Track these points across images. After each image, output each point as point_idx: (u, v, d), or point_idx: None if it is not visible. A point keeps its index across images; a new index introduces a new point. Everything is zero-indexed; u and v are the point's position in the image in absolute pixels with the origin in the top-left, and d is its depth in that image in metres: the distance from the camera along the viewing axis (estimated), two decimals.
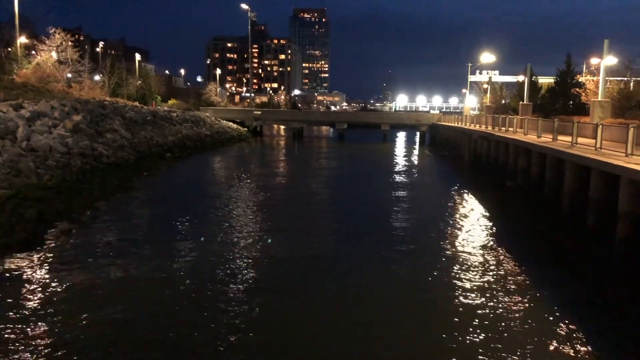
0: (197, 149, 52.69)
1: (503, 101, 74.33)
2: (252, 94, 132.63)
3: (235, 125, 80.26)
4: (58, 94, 52.42)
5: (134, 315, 12.28)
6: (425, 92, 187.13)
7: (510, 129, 38.68)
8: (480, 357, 10.41)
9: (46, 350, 10.24)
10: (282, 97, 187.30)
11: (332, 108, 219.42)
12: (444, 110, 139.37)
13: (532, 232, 22.19)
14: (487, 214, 25.13)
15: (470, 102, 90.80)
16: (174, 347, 10.73)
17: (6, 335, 10.84)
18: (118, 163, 34.25)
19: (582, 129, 26.05)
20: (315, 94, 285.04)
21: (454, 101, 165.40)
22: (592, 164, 19.70)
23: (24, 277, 14.29)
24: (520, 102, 52.93)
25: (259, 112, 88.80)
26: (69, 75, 62.03)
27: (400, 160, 53.83)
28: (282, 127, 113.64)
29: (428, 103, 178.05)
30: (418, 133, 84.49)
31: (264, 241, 18.99)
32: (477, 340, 11.14)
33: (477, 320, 12.13)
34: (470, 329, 11.63)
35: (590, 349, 10.84)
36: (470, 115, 65.48)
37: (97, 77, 71.87)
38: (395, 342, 11.13)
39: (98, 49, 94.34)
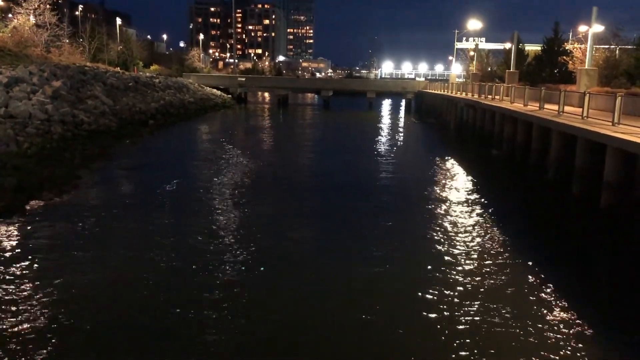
0: (180, 117, 51.92)
1: (489, 69, 73.99)
2: (236, 60, 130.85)
3: (219, 92, 79.21)
4: (36, 59, 51.12)
5: (115, 285, 12.11)
6: (411, 59, 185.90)
7: (497, 97, 38.55)
8: (459, 319, 10.44)
9: (24, 320, 10.06)
10: (267, 63, 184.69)
11: (317, 75, 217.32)
12: (430, 77, 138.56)
13: (517, 200, 22.27)
14: (473, 182, 25.16)
15: (457, 70, 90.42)
16: (157, 318, 10.60)
17: None
18: (100, 130, 33.61)
19: (569, 98, 26.01)
20: (300, 60, 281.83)
21: (439, 68, 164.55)
22: (578, 133, 19.68)
23: (3, 247, 13.99)
24: (507, 70, 52.70)
25: (243, 79, 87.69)
26: (47, 38, 60.36)
27: (386, 129, 53.63)
28: (266, 94, 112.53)
29: (414, 70, 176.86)
30: (404, 101, 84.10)
31: (249, 210, 18.82)
32: (457, 302, 11.17)
33: (457, 283, 12.15)
34: (451, 292, 11.66)
35: (568, 314, 10.91)
36: (457, 83, 65.20)
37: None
38: (380, 306, 11.11)
39: (77, 13, 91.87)
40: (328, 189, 23.38)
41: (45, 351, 9.14)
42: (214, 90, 79.44)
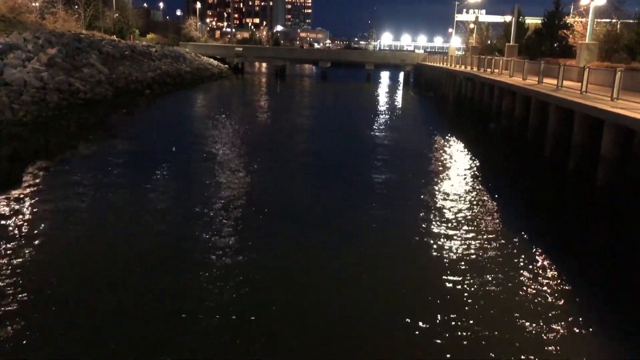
0: (176, 86, 51.57)
1: (489, 42, 73.34)
2: (233, 30, 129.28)
3: (215, 62, 78.44)
4: (31, 25, 50.31)
5: (112, 252, 12.17)
6: (410, 31, 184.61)
7: (496, 70, 38.31)
8: (452, 293, 10.56)
9: (20, 288, 10.13)
10: (264, 33, 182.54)
11: (316, 45, 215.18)
12: (429, 50, 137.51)
13: (513, 174, 22.32)
14: (469, 155, 25.18)
15: (456, 43, 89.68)
16: (153, 286, 10.68)
17: None
18: (95, 99, 33.39)
19: (568, 72, 25.85)
20: (298, 31, 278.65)
21: (439, 41, 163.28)
22: (576, 108, 19.61)
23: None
24: (507, 44, 52.28)
25: (240, 49, 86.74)
26: (41, 4, 59.39)
27: (384, 101, 53.38)
28: (264, 64, 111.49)
29: (413, 42, 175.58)
30: (402, 73, 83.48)
31: (245, 180, 18.83)
32: (451, 277, 11.28)
33: (452, 258, 12.25)
34: (446, 267, 11.76)
35: (562, 288, 11.04)
36: (456, 55, 64.69)
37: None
38: (373, 282, 11.21)
39: None
40: (323, 159, 23.42)
41: (41, 315, 9.23)
42: (211, 60, 78.66)
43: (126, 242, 12.96)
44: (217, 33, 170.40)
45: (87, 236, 13.17)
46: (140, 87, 43.24)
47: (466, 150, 26.86)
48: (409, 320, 9.72)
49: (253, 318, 9.61)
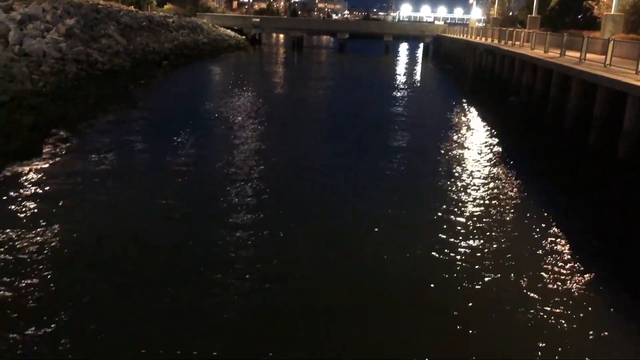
0: (194, 57, 51.42)
1: (511, 13, 71.76)
2: (251, 0, 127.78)
3: (233, 33, 77.92)
4: None
5: (129, 222, 12.35)
6: (430, 2, 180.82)
7: (517, 42, 37.53)
8: (470, 270, 10.57)
9: (40, 257, 10.35)
10: (282, 3, 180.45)
11: (334, 16, 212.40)
12: (449, 21, 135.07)
13: (532, 148, 22.08)
14: (488, 129, 24.94)
15: (477, 14, 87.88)
16: (171, 256, 10.84)
17: (3, 231, 10.96)
18: (114, 70, 33.45)
19: (592, 45, 25.24)
20: (316, 1, 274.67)
21: (459, 12, 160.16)
22: (599, 81, 19.19)
23: (22, 184, 14.24)
24: (529, 15, 51.09)
25: (258, 20, 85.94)
26: None
27: (402, 73, 52.80)
28: (281, 35, 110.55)
29: (432, 14, 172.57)
30: (421, 45, 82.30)
31: (261, 148, 18.90)
32: (469, 252, 11.28)
33: (465, 231, 12.24)
34: (462, 243, 11.75)
35: (577, 264, 11.00)
36: (476, 27, 63.44)
37: None
38: (388, 254, 11.26)
39: None
40: (340, 130, 23.41)
41: (56, 285, 9.44)
42: (228, 31, 78.12)
43: (144, 208, 13.15)
44: (235, 4, 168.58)
45: (106, 203, 13.42)
46: (158, 58, 43.19)
47: (485, 123, 26.58)
48: (424, 297, 9.78)
49: (271, 288, 9.75)
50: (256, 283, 9.88)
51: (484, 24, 75.05)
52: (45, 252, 10.59)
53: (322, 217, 13.29)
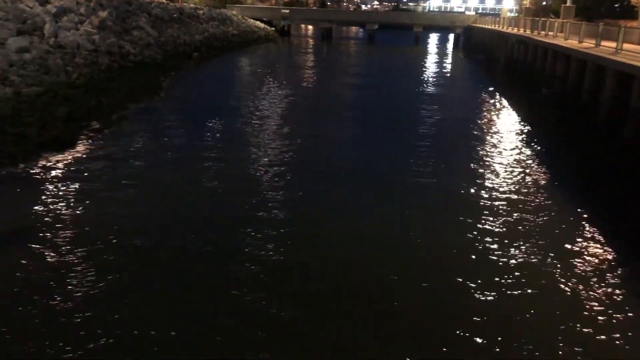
0: (223, 49, 51.72)
1: (544, 3, 70.33)
2: None
3: (262, 25, 78.10)
4: None
5: (161, 211, 12.57)
6: None
7: (550, 33, 36.80)
8: (500, 258, 10.49)
9: (75, 243, 10.62)
10: None
11: (363, 7, 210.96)
12: (480, 11, 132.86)
13: (565, 141, 21.68)
14: (519, 121, 24.56)
15: (509, 4, 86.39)
16: (204, 246, 11.01)
17: (40, 225, 11.30)
18: (145, 62, 33.89)
19: (629, 35, 24.62)
20: None
21: (490, 2, 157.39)
22: (636, 72, 18.75)
23: (56, 173, 14.62)
24: (563, 5, 49.97)
25: (287, 11, 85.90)
26: None
27: (432, 64, 52.28)
28: (310, 27, 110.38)
29: (463, 4, 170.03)
30: (452, 35, 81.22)
31: (290, 138, 18.99)
32: (496, 247, 11.19)
33: (497, 228, 12.12)
34: (490, 236, 11.65)
35: (621, 265, 10.81)
36: (508, 17, 62.35)
37: None
38: (417, 243, 11.24)
39: None
40: (370, 120, 23.38)
41: (91, 270, 9.69)
42: (257, 22, 78.32)
43: (172, 202, 13.36)
44: None
45: (138, 191, 13.69)
46: (188, 50, 43.58)
47: (516, 115, 26.19)
48: (451, 284, 9.75)
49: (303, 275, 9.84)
50: (285, 278, 9.98)
51: (516, 14, 73.69)
52: (80, 238, 10.86)
53: (353, 209, 13.33)
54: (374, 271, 10.24)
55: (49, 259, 10.05)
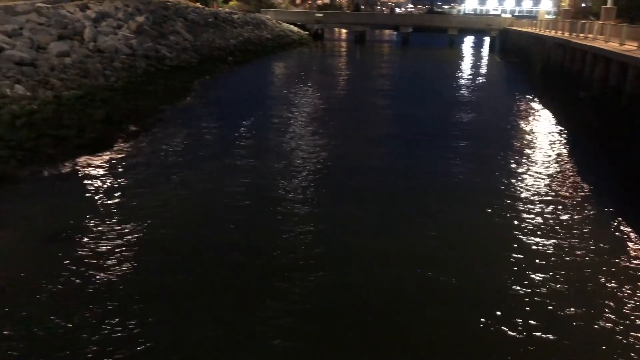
0: (257, 53, 52.09)
1: (583, 4, 68.83)
2: None
3: (296, 29, 78.43)
4: None
5: (196, 213, 12.71)
6: None
7: (590, 35, 35.95)
8: (541, 269, 10.27)
9: (114, 242, 10.82)
10: None
11: (397, 10, 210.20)
12: (516, 14, 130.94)
13: (606, 147, 21.11)
14: (557, 126, 24.03)
15: (546, 6, 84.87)
16: (240, 249, 11.08)
17: (81, 223, 11.56)
18: (181, 66, 34.43)
19: None
20: None
21: (527, 4, 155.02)
22: None
23: (94, 174, 14.94)
24: (603, 6, 48.80)
25: (321, 15, 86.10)
26: None
27: (467, 67, 51.67)
28: (343, 30, 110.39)
29: (499, 6, 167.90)
30: (487, 38, 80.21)
31: (324, 148, 18.98)
32: (534, 253, 10.96)
33: (535, 239, 11.87)
34: (528, 247, 11.42)
35: None
36: (546, 20, 61.22)
37: None
38: (454, 255, 11.09)
39: None
40: (403, 125, 23.22)
41: (128, 268, 9.84)
42: (291, 26, 78.70)
43: (208, 204, 13.51)
44: None
45: (174, 191, 13.98)
46: (223, 54, 44.08)
47: (554, 119, 25.65)
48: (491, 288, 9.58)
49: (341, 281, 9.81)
50: (321, 276, 9.97)
51: (554, 16, 72.34)
52: (117, 236, 11.07)
53: (385, 211, 13.25)
54: (426, 279, 10.13)
55: (88, 257, 10.27)
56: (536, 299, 9.34)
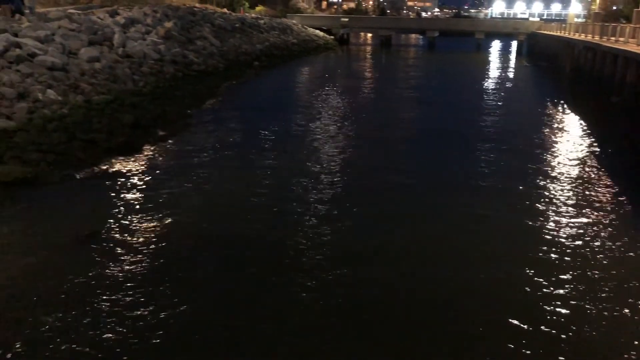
0: (283, 58, 52.34)
1: (614, 7, 67.62)
2: (340, 0, 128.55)
3: (321, 33, 78.67)
4: (150, 0, 53.13)
5: (226, 218, 12.79)
6: None
7: (621, 38, 35.33)
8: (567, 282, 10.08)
9: (141, 241, 10.95)
10: (371, 3, 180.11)
11: (423, 14, 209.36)
12: (544, 17, 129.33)
13: (637, 154, 20.64)
14: (586, 131, 23.56)
15: (576, 9, 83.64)
16: (270, 248, 11.12)
17: (110, 223, 11.74)
18: (208, 71, 34.76)
19: None
20: None
21: (556, 8, 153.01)
22: None
23: (123, 177, 15.15)
24: (635, 9, 47.92)
25: (346, 19, 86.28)
26: None
27: (494, 71, 51.13)
28: (369, 35, 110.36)
29: (527, 10, 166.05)
30: (515, 42, 79.37)
31: (348, 153, 18.96)
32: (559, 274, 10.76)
33: (562, 250, 11.65)
34: (556, 260, 11.22)
35: None
36: (575, 23, 60.32)
37: None
38: (482, 262, 10.95)
39: None
40: (428, 133, 22.96)
41: (156, 270, 9.95)
42: (317, 31, 78.97)
43: (237, 197, 13.64)
44: (324, 4, 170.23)
45: (202, 193, 14.06)
46: (249, 59, 44.38)
47: (585, 124, 25.17)
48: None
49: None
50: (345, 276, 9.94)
51: (584, 20, 71.20)
52: (146, 240, 11.19)
53: (412, 216, 13.16)
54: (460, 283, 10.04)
55: (116, 256, 10.43)
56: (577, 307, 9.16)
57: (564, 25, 61.07)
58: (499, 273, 10.39)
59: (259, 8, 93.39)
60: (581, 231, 12.34)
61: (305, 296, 9.44)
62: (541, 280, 10.07)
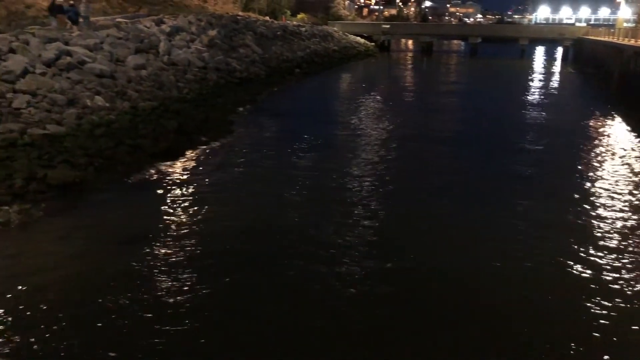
0: (324, 65, 52.50)
1: None
2: (381, 7, 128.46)
3: (362, 40, 78.64)
4: (194, 8, 54.25)
5: (267, 222, 12.92)
6: (570, 2, 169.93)
7: None
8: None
9: (184, 244, 11.15)
10: (412, 9, 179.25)
11: (466, 20, 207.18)
12: (592, 22, 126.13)
13: None
14: (636, 144, 22.78)
15: (625, 13, 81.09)
16: (302, 256, 11.17)
17: (155, 226, 12.02)
18: (249, 78, 35.18)
19: None
20: (448, 6, 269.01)
21: (604, 12, 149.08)
22: None
23: (168, 181, 15.50)
24: None
25: (387, 26, 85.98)
26: None
27: (538, 78, 50.09)
28: (410, 41, 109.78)
29: (573, 15, 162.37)
30: (560, 48, 77.59)
31: (386, 156, 18.90)
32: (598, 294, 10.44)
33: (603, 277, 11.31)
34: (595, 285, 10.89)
35: None
36: (624, 28, 58.52)
37: None
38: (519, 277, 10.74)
39: None
40: (468, 143, 22.61)
41: (197, 273, 10.11)
42: (357, 38, 78.98)
43: (277, 202, 13.90)
44: (365, 10, 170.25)
45: (244, 197, 14.40)
46: (290, 67, 44.71)
47: (634, 133, 24.34)
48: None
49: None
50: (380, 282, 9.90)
51: (634, 24, 69.01)
52: (189, 241, 11.41)
53: (448, 226, 13.02)
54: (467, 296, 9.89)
55: (160, 259, 10.69)
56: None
57: (612, 30, 59.34)
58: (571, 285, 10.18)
59: (300, 16, 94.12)
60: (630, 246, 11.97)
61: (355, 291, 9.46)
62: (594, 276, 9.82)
